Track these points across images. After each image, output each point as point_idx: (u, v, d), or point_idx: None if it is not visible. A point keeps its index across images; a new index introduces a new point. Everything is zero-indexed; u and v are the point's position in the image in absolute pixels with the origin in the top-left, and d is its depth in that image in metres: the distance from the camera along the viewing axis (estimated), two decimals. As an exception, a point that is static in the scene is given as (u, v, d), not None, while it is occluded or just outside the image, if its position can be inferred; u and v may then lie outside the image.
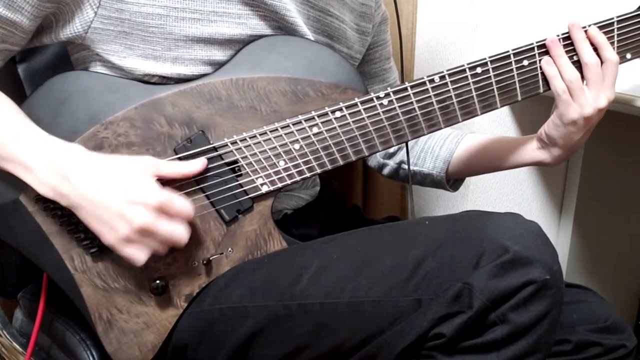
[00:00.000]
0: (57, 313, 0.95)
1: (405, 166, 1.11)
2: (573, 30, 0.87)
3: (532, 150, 0.95)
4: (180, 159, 0.82)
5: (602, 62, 0.87)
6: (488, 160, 1.03)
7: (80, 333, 0.92)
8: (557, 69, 0.87)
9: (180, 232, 0.77)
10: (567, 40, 0.87)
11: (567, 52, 0.87)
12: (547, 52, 0.87)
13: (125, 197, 0.75)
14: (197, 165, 0.81)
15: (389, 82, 1.12)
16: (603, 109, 0.87)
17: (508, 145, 0.99)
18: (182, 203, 0.77)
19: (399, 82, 1.15)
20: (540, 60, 0.88)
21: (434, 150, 1.08)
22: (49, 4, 0.80)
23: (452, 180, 1.10)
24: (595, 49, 0.87)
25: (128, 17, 0.81)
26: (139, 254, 0.77)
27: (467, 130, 1.11)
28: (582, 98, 0.86)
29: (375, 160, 1.17)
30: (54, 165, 0.76)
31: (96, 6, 0.81)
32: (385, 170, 1.15)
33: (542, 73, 0.88)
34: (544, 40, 0.87)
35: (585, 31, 0.87)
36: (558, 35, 0.87)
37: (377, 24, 1.07)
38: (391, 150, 1.13)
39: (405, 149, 1.07)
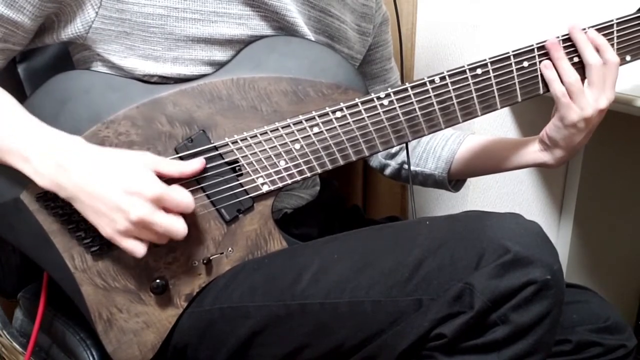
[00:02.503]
0: (57, 313, 0.95)
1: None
2: (574, 32, 0.87)
3: (534, 152, 0.96)
4: (181, 158, 0.82)
5: (603, 64, 0.87)
6: (490, 161, 1.03)
7: (80, 333, 0.92)
8: (556, 73, 0.87)
9: (178, 225, 0.77)
10: (567, 42, 0.87)
11: (567, 53, 0.87)
12: (546, 54, 0.87)
13: (122, 189, 0.74)
14: (195, 165, 0.81)
15: (390, 82, 1.12)
16: (604, 110, 0.87)
17: (510, 146, 0.99)
18: (180, 194, 0.77)
19: (400, 82, 1.15)
20: (540, 61, 0.88)
21: (436, 150, 1.08)
22: (51, 3, 0.80)
23: (454, 180, 1.10)
24: (596, 51, 0.87)
25: (129, 17, 0.81)
26: (138, 247, 0.77)
27: (467, 131, 1.11)
28: (582, 100, 0.86)
29: (377, 160, 1.17)
30: (52, 156, 0.76)
31: (97, 6, 0.81)
32: (387, 171, 1.15)
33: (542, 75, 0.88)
34: (544, 42, 0.87)
35: (585, 33, 0.87)
36: (558, 37, 0.87)
37: (378, 25, 1.07)
38: (393, 150, 1.13)
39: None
